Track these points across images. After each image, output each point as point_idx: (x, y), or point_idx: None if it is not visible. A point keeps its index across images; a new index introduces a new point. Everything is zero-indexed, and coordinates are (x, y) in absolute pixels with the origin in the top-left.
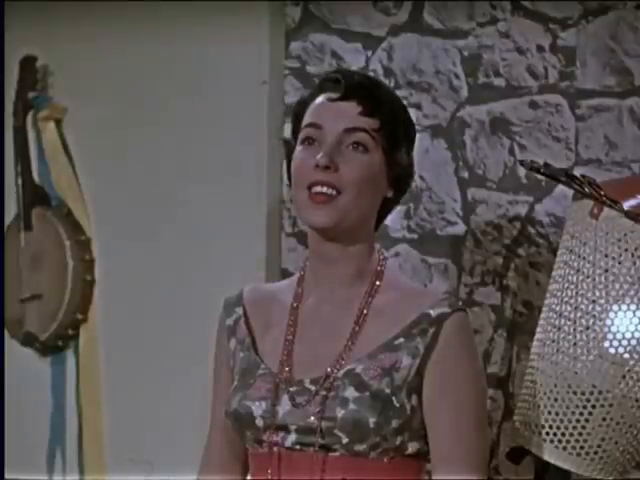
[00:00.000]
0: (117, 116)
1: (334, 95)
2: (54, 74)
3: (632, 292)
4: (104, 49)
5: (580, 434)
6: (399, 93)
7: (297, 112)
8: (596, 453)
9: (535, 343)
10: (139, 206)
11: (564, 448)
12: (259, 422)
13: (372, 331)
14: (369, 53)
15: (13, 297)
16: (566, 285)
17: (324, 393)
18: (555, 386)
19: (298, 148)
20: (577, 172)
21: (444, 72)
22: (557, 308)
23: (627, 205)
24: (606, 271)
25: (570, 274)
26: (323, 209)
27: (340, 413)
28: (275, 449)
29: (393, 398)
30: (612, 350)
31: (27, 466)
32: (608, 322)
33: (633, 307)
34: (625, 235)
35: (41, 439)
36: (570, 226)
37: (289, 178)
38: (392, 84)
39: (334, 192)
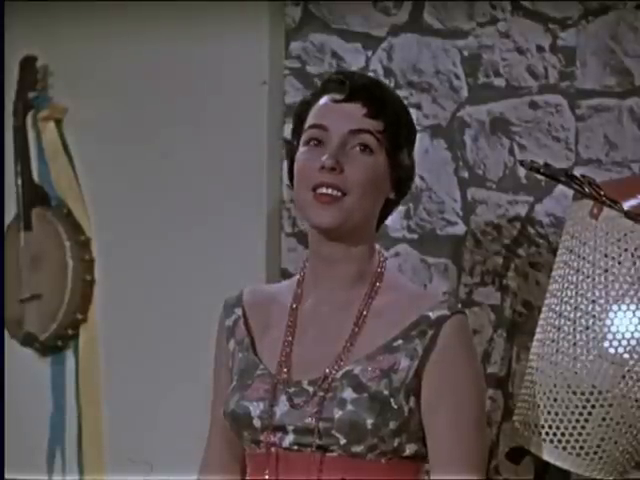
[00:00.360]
0: (117, 116)
1: (338, 96)
2: (54, 74)
3: (632, 292)
4: (104, 49)
5: (580, 434)
6: (399, 93)
7: (300, 113)
8: (596, 453)
9: (535, 343)
10: (139, 206)
11: (564, 448)
12: (257, 423)
13: (371, 333)
14: (369, 53)
15: (13, 297)
16: (566, 285)
17: (322, 394)
18: (555, 386)
19: (302, 149)
20: (577, 172)
21: (444, 72)
22: (557, 308)
23: (627, 205)
24: (606, 271)
25: (570, 274)
26: (328, 209)
27: (338, 414)
28: (273, 450)
29: (391, 400)
30: (612, 350)
31: (27, 466)
32: (608, 322)
33: (633, 307)
34: (625, 235)
35: (41, 439)
36: (570, 226)
37: (290, 178)
38: (392, 84)
39: (339, 193)
